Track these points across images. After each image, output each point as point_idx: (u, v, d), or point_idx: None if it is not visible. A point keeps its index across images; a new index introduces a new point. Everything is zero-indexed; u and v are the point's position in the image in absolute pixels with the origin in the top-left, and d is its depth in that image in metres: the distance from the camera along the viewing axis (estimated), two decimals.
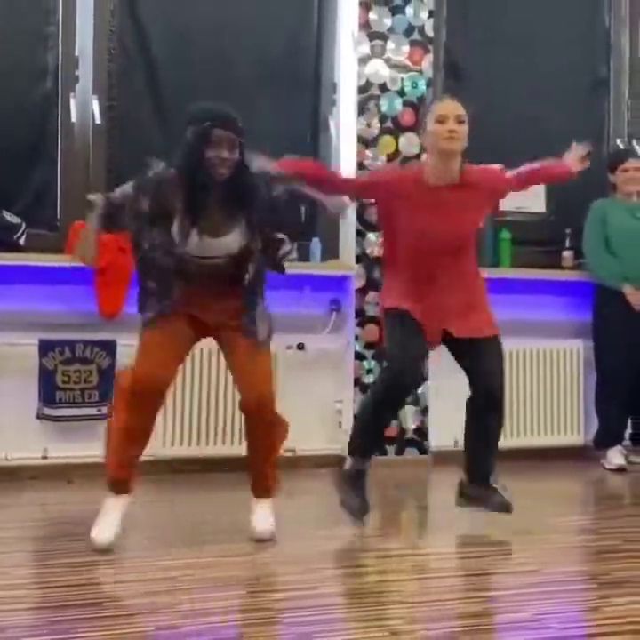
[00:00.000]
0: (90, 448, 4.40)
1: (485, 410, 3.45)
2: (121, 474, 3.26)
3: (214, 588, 2.75)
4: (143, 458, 4.40)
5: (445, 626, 2.47)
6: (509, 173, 3.75)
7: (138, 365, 3.19)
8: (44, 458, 4.37)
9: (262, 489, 3.38)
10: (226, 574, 2.90)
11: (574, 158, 3.91)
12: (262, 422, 3.30)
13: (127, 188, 3.27)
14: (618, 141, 5.56)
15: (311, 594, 2.71)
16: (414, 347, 3.46)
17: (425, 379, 4.82)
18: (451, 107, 3.46)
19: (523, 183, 3.81)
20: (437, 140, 3.42)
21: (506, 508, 3.46)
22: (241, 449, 4.47)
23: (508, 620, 2.54)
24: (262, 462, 3.37)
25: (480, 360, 3.47)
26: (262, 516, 3.33)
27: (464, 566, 3.10)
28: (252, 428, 3.33)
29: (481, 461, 3.53)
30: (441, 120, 3.42)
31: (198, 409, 4.55)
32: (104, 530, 3.16)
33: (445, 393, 4.67)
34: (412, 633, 2.44)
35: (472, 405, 3.48)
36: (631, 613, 2.55)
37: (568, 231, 5.31)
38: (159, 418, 4.40)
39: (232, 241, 3.23)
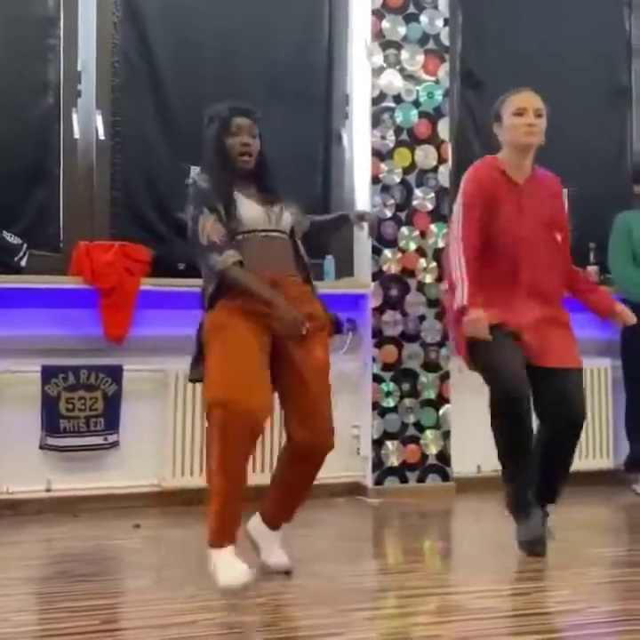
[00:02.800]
0: (96, 479, 4.25)
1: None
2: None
3: (230, 635, 2.53)
4: (153, 489, 4.27)
5: None
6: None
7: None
8: (48, 491, 4.17)
9: (281, 522, 3.16)
10: (244, 619, 2.67)
11: (622, 312, 3.60)
12: (319, 466, 3.08)
13: (193, 212, 3.03)
14: None
15: None
16: (517, 359, 3.25)
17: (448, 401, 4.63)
18: (530, 99, 3.35)
19: (570, 274, 3.57)
20: (516, 133, 3.32)
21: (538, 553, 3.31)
22: (252, 478, 4.32)
23: None
24: (298, 504, 3.15)
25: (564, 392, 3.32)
26: (278, 546, 3.14)
27: (500, 606, 2.86)
28: (308, 472, 3.08)
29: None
30: (520, 113, 3.31)
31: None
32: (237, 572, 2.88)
33: (467, 415, 4.47)
34: None
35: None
36: None
37: (592, 245, 5.12)
38: (168, 446, 4.28)
39: (285, 213, 3.13)
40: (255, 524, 3.18)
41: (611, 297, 3.59)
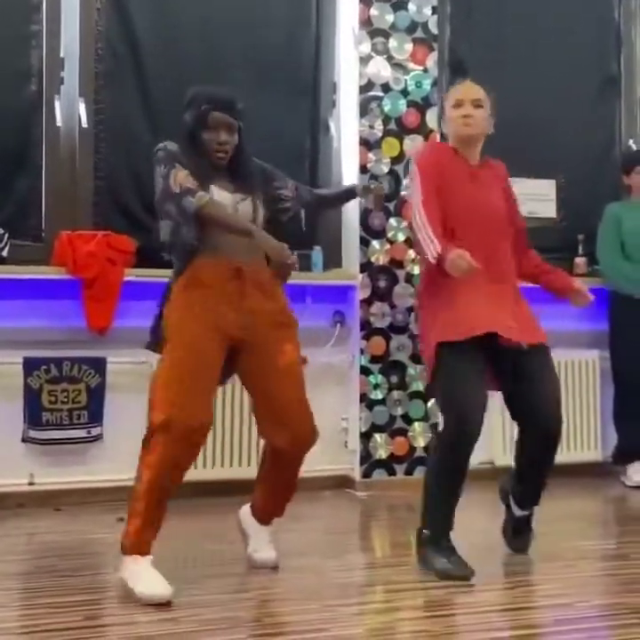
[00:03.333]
0: (79, 473, 4.19)
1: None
2: None
3: (217, 631, 2.48)
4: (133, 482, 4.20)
5: None
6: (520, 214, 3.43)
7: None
8: (31, 484, 4.11)
9: (271, 518, 3.13)
10: (231, 614, 2.62)
11: (581, 289, 3.37)
12: (301, 463, 3.02)
13: (162, 169, 2.93)
14: (630, 142, 5.34)
15: (323, 636, 2.45)
16: (476, 389, 3.03)
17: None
18: (467, 90, 3.25)
19: (518, 244, 3.36)
20: (454, 125, 3.23)
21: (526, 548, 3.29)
22: (240, 472, 4.29)
23: None
24: (285, 501, 3.10)
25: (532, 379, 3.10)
26: (267, 542, 3.10)
27: (488, 600, 2.81)
28: (292, 472, 3.03)
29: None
30: (458, 104, 3.22)
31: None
32: (156, 583, 2.74)
33: None
34: None
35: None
36: None
37: (581, 237, 5.10)
38: None
39: (251, 206, 3.00)
40: (245, 515, 3.15)
41: (568, 276, 3.45)
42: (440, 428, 3.08)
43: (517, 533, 3.33)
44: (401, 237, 4.64)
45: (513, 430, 4.79)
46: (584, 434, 4.96)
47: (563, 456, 4.82)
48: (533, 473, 3.23)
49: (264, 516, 3.11)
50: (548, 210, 5.16)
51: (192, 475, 4.11)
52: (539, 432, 3.13)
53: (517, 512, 3.31)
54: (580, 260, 5.10)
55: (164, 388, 2.79)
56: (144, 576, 2.74)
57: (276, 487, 3.06)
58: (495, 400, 4.75)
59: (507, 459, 4.72)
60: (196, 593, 2.81)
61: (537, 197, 5.13)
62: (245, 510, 3.15)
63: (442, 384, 3.07)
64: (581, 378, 4.97)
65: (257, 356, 2.92)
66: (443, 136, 3.85)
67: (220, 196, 2.94)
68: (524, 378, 3.13)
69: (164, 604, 2.68)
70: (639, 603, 2.76)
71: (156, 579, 2.74)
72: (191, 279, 2.89)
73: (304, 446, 2.97)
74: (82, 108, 4.34)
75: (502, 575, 3.12)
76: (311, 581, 2.96)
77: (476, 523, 3.66)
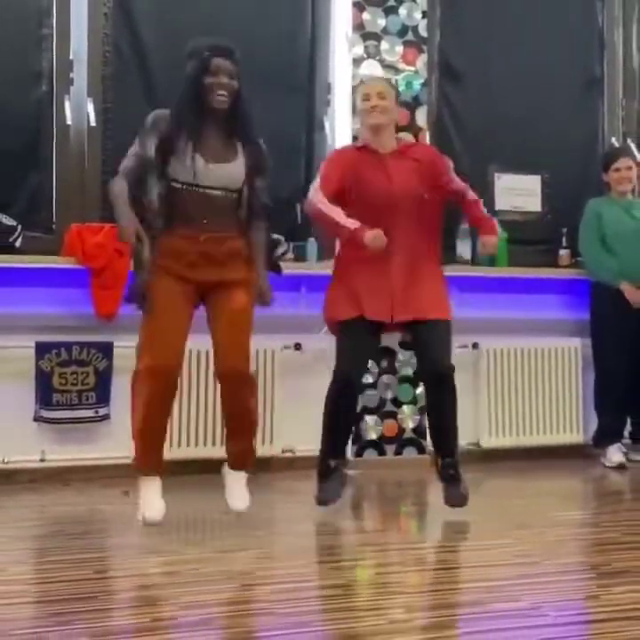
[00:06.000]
0: (87, 450, 4.43)
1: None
2: None
3: (211, 582, 2.74)
4: None
5: (443, 614, 2.46)
6: (456, 178, 3.80)
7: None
8: (42, 460, 4.35)
9: (235, 460, 3.46)
10: (224, 568, 2.89)
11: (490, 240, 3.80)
12: (241, 391, 3.36)
13: (133, 148, 3.32)
14: (613, 140, 5.57)
15: (309, 586, 2.71)
16: (359, 355, 3.68)
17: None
18: (372, 85, 3.80)
19: (459, 198, 3.81)
20: (363, 116, 3.76)
21: (460, 502, 3.59)
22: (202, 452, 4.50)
23: (505, 609, 2.51)
24: (241, 437, 3.45)
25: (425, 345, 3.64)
26: (239, 489, 3.41)
27: (463, 559, 3.09)
28: (233, 398, 3.37)
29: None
30: (365, 98, 3.72)
31: (196, 412, 4.53)
32: (151, 508, 3.26)
33: None
34: (410, 621, 2.43)
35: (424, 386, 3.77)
36: (629, 601, 2.54)
37: (564, 230, 5.31)
38: None
39: (235, 171, 3.32)
40: (223, 468, 3.49)
41: (491, 225, 3.80)
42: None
43: (447, 483, 3.64)
44: None
45: (498, 412, 5.09)
46: (566, 418, 5.17)
47: (546, 438, 5.14)
48: (436, 417, 3.69)
49: (230, 457, 3.46)
50: (534, 204, 5.38)
51: (201, 452, 4.38)
52: (430, 377, 3.65)
53: (440, 461, 3.67)
54: (563, 253, 5.32)
55: (143, 341, 3.29)
56: (145, 498, 3.24)
57: (228, 422, 3.43)
58: (480, 387, 5.04)
59: (492, 441, 5.00)
60: (194, 551, 3.07)
61: (523, 192, 5.37)
62: (223, 466, 3.51)
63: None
64: (564, 365, 5.19)
65: (215, 300, 3.36)
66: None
67: (195, 160, 3.23)
68: (419, 343, 3.71)
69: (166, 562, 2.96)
70: (599, 561, 3.03)
71: (152, 502, 3.23)
72: (162, 250, 3.28)
73: (230, 381, 3.33)
74: (90, 108, 4.56)
75: (479, 539, 3.36)
76: (301, 542, 3.21)
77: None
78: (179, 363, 3.32)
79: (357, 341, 3.67)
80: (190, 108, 3.25)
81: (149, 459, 3.31)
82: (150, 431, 3.30)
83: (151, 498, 3.27)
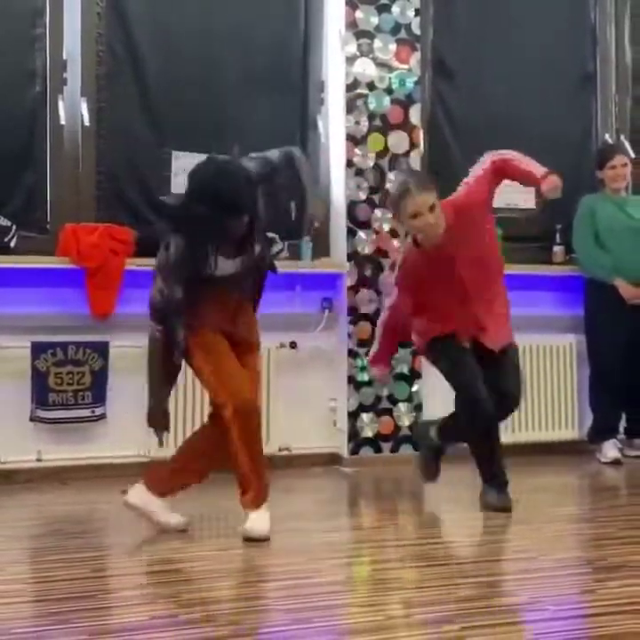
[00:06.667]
0: (84, 450, 4.43)
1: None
2: None
3: (211, 579, 2.75)
4: (139, 459, 4.46)
5: (442, 610, 2.46)
6: (486, 167, 3.75)
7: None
8: (39, 460, 4.35)
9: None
10: (223, 566, 2.89)
11: (550, 183, 3.72)
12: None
13: (159, 285, 3.30)
14: (606, 136, 5.58)
15: (309, 582, 2.71)
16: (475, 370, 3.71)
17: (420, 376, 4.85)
18: (419, 202, 3.51)
19: (501, 174, 3.80)
20: (419, 233, 3.61)
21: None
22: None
23: (504, 604, 2.54)
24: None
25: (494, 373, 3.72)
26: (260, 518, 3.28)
27: (461, 554, 3.10)
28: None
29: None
30: (416, 216, 3.53)
31: (192, 410, 4.53)
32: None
33: (438, 389, 4.66)
34: (409, 617, 2.44)
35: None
36: (626, 595, 2.56)
37: (558, 227, 5.33)
38: None
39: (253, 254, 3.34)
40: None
41: (542, 175, 3.70)
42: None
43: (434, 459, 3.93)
44: (386, 228, 4.89)
45: None
46: (562, 414, 5.20)
47: (541, 434, 5.16)
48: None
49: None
50: (528, 201, 5.39)
51: None
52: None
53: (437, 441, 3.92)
54: (557, 249, 5.34)
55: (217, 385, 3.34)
56: (255, 521, 3.24)
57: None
58: None
59: None
60: (193, 549, 3.08)
61: (517, 189, 5.33)
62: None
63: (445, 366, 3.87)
64: (559, 361, 5.21)
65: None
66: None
67: (222, 262, 3.25)
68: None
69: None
70: (595, 556, 3.05)
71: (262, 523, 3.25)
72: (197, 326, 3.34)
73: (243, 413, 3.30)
74: (84, 108, 4.56)
75: (478, 535, 3.38)
76: (300, 540, 3.22)
77: (463, 495, 3.91)
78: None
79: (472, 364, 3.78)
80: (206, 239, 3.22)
81: (265, 491, 3.30)
82: (255, 463, 3.27)
83: (262, 522, 3.23)
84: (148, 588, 2.69)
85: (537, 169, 3.70)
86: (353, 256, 4.85)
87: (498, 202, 5.22)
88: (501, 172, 3.76)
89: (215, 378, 3.30)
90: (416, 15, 5.00)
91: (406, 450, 4.84)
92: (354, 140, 4.86)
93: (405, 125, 4.94)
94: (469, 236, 3.63)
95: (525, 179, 3.80)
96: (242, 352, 3.39)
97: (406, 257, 3.79)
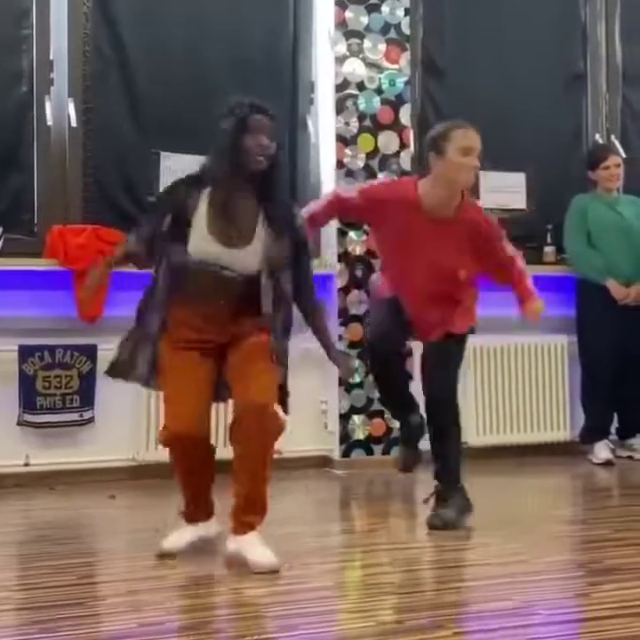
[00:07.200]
0: (72, 454, 4.39)
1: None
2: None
3: (198, 586, 2.71)
4: (128, 463, 4.42)
5: (433, 615, 2.43)
6: (507, 247, 3.55)
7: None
8: (26, 465, 4.31)
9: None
10: (211, 572, 2.86)
11: (534, 308, 3.62)
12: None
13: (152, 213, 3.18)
14: (596, 136, 5.56)
15: (298, 588, 2.68)
16: (392, 321, 3.54)
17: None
18: (477, 140, 3.34)
19: (505, 268, 3.58)
20: (458, 171, 3.32)
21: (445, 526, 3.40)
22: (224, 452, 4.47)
23: (496, 608, 2.51)
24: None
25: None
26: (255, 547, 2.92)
27: (453, 558, 3.06)
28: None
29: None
30: (467, 153, 3.31)
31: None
32: (172, 541, 3.05)
33: None
34: (400, 623, 2.41)
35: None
36: (619, 599, 2.54)
37: (549, 227, 5.31)
38: (142, 422, 4.43)
39: (252, 254, 3.01)
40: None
41: (527, 294, 3.59)
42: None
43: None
44: None
45: (485, 410, 5.09)
46: (553, 415, 5.16)
47: (533, 436, 5.13)
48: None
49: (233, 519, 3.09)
50: (518, 201, 5.36)
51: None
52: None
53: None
54: (548, 249, 5.32)
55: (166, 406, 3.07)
56: (175, 534, 3.08)
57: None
58: (468, 385, 5.01)
59: (480, 439, 4.99)
60: (184, 554, 3.02)
61: (508, 189, 5.35)
62: None
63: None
64: (550, 362, 5.18)
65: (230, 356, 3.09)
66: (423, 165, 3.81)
67: (206, 241, 2.98)
68: None
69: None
70: (587, 559, 3.02)
71: (178, 540, 3.07)
72: (171, 328, 3.08)
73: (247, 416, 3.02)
74: (71, 108, 4.51)
75: (468, 538, 3.35)
76: (291, 545, 3.17)
77: None
78: (198, 429, 3.00)
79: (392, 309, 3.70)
80: (224, 169, 3.02)
81: (189, 511, 3.13)
82: (186, 490, 3.12)
83: (180, 537, 3.08)
84: (137, 595, 2.65)
85: (531, 286, 3.59)
86: (343, 257, 4.82)
87: (488, 202, 5.24)
88: (511, 265, 3.57)
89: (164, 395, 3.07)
90: (406, 15, 4.97)
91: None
92: (344, 140, 4.83)
93: (396, 125, 4.91)
94: (459, 241, 3.43)
95: (520, 286, 3.59)
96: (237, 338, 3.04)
97: (400, 188, 3.50)
